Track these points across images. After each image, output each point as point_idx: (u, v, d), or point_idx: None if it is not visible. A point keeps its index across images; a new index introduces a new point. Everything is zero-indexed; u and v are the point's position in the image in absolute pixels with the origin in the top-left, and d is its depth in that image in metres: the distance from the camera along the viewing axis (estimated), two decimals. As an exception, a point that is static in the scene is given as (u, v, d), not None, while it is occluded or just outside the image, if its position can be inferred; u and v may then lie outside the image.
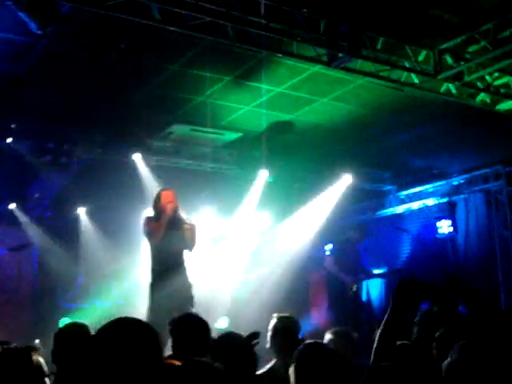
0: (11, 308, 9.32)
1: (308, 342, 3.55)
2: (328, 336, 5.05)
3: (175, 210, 6.77)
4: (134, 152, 9.34)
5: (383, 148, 10.22)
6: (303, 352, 3.36)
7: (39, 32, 5.84)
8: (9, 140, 8.46)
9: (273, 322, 4.90)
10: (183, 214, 6.96)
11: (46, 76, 7.49)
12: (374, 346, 2.67)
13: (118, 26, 6.48)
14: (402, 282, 2.74)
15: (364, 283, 10.31)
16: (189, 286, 6.81)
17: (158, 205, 6.83)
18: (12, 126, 8.36)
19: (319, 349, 3.42)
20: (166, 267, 6.70)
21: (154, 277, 6.76)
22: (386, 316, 2.71)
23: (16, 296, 9.64)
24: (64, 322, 9.10)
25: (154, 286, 6.71)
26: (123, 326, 2.16)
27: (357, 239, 9.78)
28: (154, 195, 7.05)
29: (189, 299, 6.72)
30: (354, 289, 9.18)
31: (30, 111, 8.28)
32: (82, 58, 7.16)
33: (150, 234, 6.75)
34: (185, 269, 6.84)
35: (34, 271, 10.14)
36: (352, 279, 9.45)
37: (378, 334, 2.70)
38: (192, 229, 6.76)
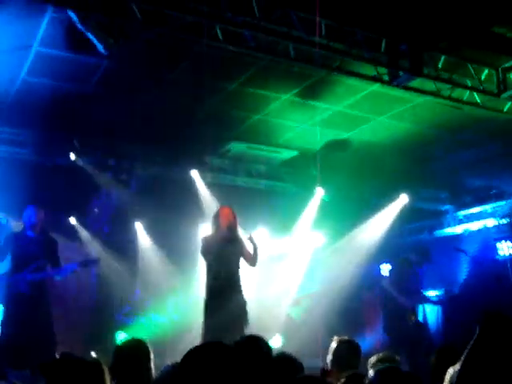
0: (70, 320, 9.49)
1: (382, 367, 3.48)
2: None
3: (231, 228, 6.78)
4: (192, 169, 9.47)
5: (441, 167, 10.08)
6: (379, 379, 3.28)
7: (105, 52, 6.01)
8: (71, 156, 8.68)
9: (334, 345, 4.81)
10: (240, 231, 6.98)
11: (109, 94, 7.70)
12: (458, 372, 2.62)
13: (178, 46, 6.61)
14: (491, 315, 2.67)
15: (421, 306, 10.11)
16: (243, 304, 6.81)
17: (215, 221, 6.88)
18: (74, 142, 8.58)
19: (397, 374, 3.36)
20: (222, 284, 6.72)
21: (209, 294, 6.79)
22: (469, 346, 2.65)
23: (75, 308, 9.84)
24: (120, 335, 9.24)
25: (209, 303, 6.74)
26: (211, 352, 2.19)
27: (417, 262, 9.60)
28: (214, 212, 7.09)
29: (243, 316, 6.73)
30: (413, 319, 8.97)
31: (93, 128, 8.51)
32: (144, 77, 7.35)
33: (209, 253, 6.79)
34: (240, 286, 6.84)
35: (93, 285, 10.33)
36: (410, 301, 9.27)
37: (461, 361, 2.64)
38: (252, 244, 6.76)
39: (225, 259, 6.74)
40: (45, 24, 6.03)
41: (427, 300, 10.05)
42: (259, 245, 6.88)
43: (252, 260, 6.86)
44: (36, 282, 7.03)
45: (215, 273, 6.75)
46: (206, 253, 6.79)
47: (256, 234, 7.98)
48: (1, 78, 7.14)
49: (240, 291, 6.85)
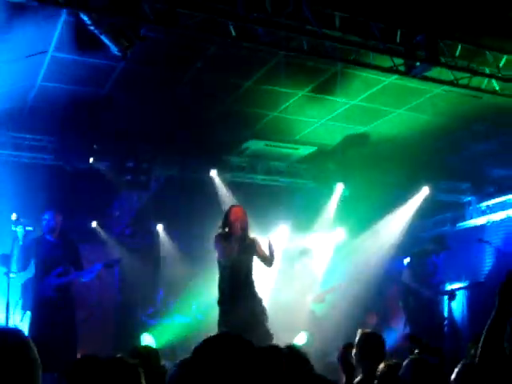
0: (94, 323, 9.55)
1: (412, 357, 3.50)
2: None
3: (243, 228, 6.73)
4: (211, 169, 9.46)
5: (462, 158, 9.95)
6: (411, 368, 3.31)
7: (119, 54, 6.02)
8: (91, 160, 8.73)
9: (358, 337, 4.84)
10: (251, 232, 6.92)
11: (126, 97, 7.72)
12: (479, 351, 2.62)
13: (193, 45, 6.61)
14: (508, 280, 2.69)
15: (445, 297, 10.02)
16: (259, 301, 6.80)
17: (226, 221, 6.80)
18: (94, 146, 8.63)
19: (425, 365, 3.37)
20: (235, 285, 6.70)
21: (223, 295, 6.77)
22: (489, 320, 2.67)
23: (99, 311, 9.89)
24: (145, 337, 9.27)
25: (223, 305, 6.72)
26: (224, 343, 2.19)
27: (434, 250, 9.50)
28: (225, 211, 7.04)
29: (261, 313, 6.71)
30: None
31: (111, 132, 8.55)
32: (160, 78, 7.35)
33: (221, 254, 6.74)
34: (254, 285, 6.82)
35: (116, 287, 10.39)
36: (431, 292, 9.19)
37: (482, 339, 2.65)
38: (270, 249, 6.70)
39: (238, 260, 6.71)
40: (59, 29, 6.06)
41: (451, 291, 9.95)
42: (276, 248, 6.82)
43: (268, 261, 6.81)
44: (61, 286, 7.09)
45: (228, 274, 6.72)
46: (221, 254, 6.75)
47: (274, 237, 7.96)
48: (18, 84, 7.21)
49: (254, 290, 6.83)
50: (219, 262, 6.81)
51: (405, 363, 3.66)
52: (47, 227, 7.30)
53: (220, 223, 6.84)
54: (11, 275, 7.01)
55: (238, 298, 6.65)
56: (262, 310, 6.76)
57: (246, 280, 6.76)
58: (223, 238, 6.73)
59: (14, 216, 7.07)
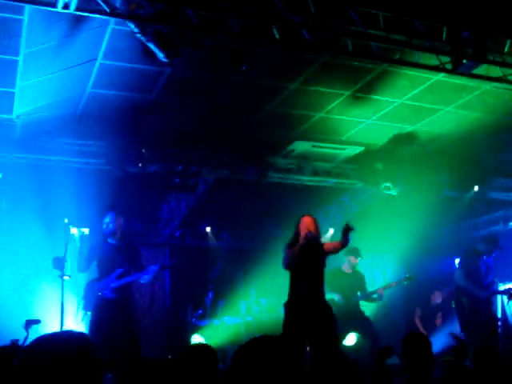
0: (145, 324, 9.70)
1: (445, 359, 3.47)
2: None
3: (310, 237, 6.86)
4: (258, 171, 9.50)
5: (513, 155, 9.75)
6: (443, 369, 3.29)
7: (166, 60, 6.14)
8: (140, 164, 8.89)
9: (405, 338, 4.82)
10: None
11: (173, 101, 7.85)
12: None
13: (238, 49, 6.67)
14: None
15: (498, 297, 9.82)
16: (328, 310, 6.90)
17: (296, 231, 6.99)
18: (143, 150, 8.79)
19: (456, 367, 3.34)
20: (303, 292, 6.82)
21: (290, 302, 6.88)
22: None
23: (150, 312, 10.05)
24: (195, 338, 9.38)
25: (289, 318, 6.82)
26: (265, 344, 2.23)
27: (487, 252, 9.31)
28: (296, 221, 7.16)
29: (330, 322, 6.81)
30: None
31: (159, 136, 8.69)
32: (206, 81, 7.44)
33: (284, 261, 6.93)
34: (323, 296, 6.92)
35: (166, 288, 10.55)
36: (484, 293, 9.02)
37: None
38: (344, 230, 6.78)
39: (305, 270, 6.84)
40: (107, 37, 6.21)
41: (504, 290, 9.74)
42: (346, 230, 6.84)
43: (342, 246, 6.93)
44: (121, 287, 7.25)
45: (295, 282, 6.86)
46: (283, 262, 6.90)
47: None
48: (70, 92, 7.42)
49: (323, 301, 6.94)
50: (289, 272, 6.99)
51: (438, 363, 3.63)
52: (108, 230, 7.45)
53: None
54: (65, 277, 7.21)
55: (305, 311, 6.79)
56: (332, 318, 6.86)
57: (314, 287, 6.90)
58: (288, 247, 6.98)
59: (66, 221, 7.28)
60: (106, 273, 7.29)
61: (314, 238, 6.91)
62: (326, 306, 6.92)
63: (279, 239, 8.47)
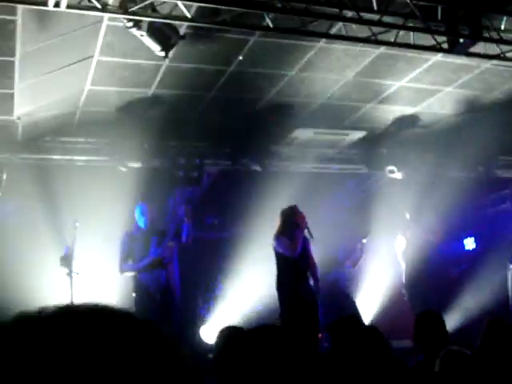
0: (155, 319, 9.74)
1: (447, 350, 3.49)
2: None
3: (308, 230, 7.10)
4: (261, 160, 9.49)
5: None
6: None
7: (162, 54, 6.13)
8: (142, 159, 8.90)
9: (416, 319, 4.82)
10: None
11: (171, 94, 7.84)
12: None
13: (233, 40, 6.65)
14: None
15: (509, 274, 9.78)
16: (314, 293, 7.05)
17: (290, 219, 7.00)
18: (145, 145, 8.81)
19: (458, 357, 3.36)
20: (308, 282, 6.92)
21: (300, 293, 6.98)
22: None
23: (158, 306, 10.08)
24: (204, 329, 9.41)
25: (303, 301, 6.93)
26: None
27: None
28: (286, 210, 7.21)
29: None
30: None
31: (161, 130, 8.69)
32: (204, 73, 7.43)
33: (292, 248, 6.98)
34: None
35: (177, 283, 10.56)
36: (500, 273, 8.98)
37: None
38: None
39: (307, 260, 6.95)
40: (102, 33, 6.21)
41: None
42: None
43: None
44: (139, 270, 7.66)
45: (302, 275, 6.93)
46: (297, 251, 6.98)
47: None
48: (69, 90, 7.43)
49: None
50: (282, 258, 7.05)
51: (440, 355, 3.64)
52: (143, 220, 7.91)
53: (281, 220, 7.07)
54: (73, 275, 7.28)
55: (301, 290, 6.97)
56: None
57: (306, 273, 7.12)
58: (284, 235, 7.16)
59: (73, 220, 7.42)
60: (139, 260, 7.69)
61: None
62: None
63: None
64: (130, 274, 7.77)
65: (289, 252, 7.04)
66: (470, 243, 11.41)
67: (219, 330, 4.56)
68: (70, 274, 7.25)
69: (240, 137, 9.18)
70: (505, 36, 6.24)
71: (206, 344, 9.17)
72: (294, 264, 7.01)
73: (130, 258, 7.76)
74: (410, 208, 10.66)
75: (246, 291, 10.06)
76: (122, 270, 7.78)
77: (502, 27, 6.21)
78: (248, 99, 8.23)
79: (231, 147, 9.33)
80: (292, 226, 7.06)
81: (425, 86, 8.15)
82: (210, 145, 9.29)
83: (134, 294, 7.70)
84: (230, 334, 4.27)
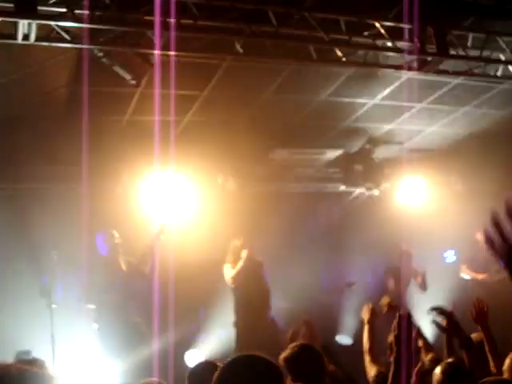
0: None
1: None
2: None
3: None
4: (236, 179, 9.37)
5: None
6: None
7: (134, 83, 6.15)
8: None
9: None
10: None
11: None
12: None
13: (209, 64, 6.67)
14: None
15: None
16: None
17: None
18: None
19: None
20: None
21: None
22: None
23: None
24: (191, 354, 9.31)
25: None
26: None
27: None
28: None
29: None
30: None
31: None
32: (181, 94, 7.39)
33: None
34: None
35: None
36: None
37: None
38: None
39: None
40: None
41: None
42: None
43: None
44: None
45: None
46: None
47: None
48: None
49: None
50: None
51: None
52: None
53: None
54: (53, 306, 7.20)
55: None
56: None
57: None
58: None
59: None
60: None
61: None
62: None
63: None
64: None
65: None
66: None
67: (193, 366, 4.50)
68: (49, 305, 7.18)
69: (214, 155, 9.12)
70: (471, 53, 6.34)
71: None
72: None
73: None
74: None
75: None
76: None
77: (469, 44, 6.30)
78: (225, 118, 8.19)
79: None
80: None
81: (399, 102, 8.22)
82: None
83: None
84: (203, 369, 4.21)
